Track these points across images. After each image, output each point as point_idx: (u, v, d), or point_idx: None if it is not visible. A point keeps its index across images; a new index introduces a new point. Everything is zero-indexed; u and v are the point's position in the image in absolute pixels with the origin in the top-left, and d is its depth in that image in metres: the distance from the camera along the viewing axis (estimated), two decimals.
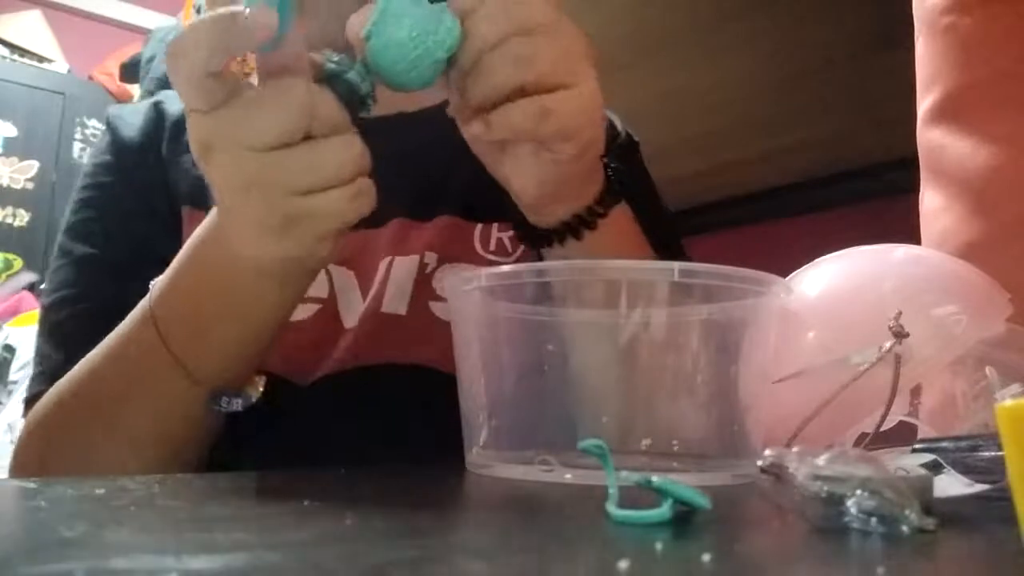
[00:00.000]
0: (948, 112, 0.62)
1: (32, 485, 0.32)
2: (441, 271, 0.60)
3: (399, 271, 0.60)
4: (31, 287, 2.60)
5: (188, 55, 0.38)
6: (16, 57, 2.94)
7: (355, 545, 0.22)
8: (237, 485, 0.35)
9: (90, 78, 3.06)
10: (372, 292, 0.59)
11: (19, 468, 0.54)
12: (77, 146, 2.93)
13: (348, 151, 0.41)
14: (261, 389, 0.51)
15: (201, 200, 0.61)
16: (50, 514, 0.27)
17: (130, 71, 2.36)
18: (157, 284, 0.49)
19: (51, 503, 0.29)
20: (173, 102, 0.67)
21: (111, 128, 0.66)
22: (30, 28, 3.03)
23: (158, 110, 0.67)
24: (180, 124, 0.65)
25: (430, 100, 0.66)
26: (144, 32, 2.68)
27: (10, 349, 2.15)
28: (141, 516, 0.27)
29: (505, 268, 0.42)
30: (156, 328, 0.48)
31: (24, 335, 2.17)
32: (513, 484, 0.39)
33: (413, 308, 0.58)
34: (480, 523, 0.30)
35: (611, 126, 0.66)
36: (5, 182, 2.77)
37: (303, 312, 0.58)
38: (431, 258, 0.60)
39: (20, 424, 0.57)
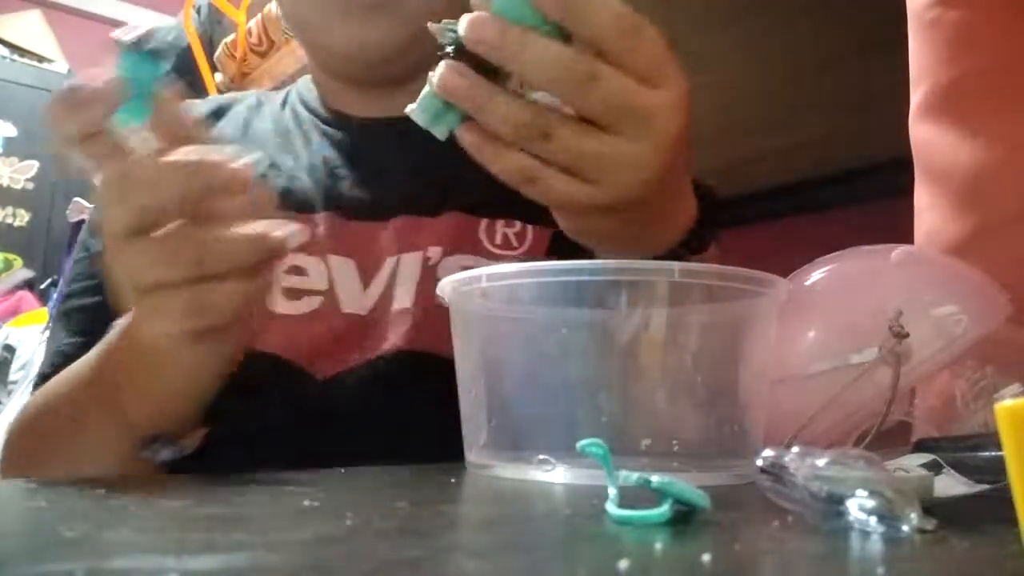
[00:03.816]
0: (935, 108, 0.62)
1: (32, 485, 0.32)
2: (445, 263, 0.61)
3: (405, 269, 0.62)
4: (29, 285, 2.60)
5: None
6: (16, 57, 2.94)
7: (355, 545, 0.22)
8: (237, 485, 0.35)
9: None
10: (381, 290, 0.61)
11: (3, 460, 0.57)
12: None
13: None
14: (198, 443, 0.52)
15: None
16: (50, 514, 0.27)
17: None
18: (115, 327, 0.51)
19: (51, 503, 0.29)
20: (194, 107, 0.72)
21: None
22: (30, 28, 3.03)
23: None
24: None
25: None
26: None
27: (10, 349, 2.15)
28: (141, 516, 0.27)
29: (505, 268, 0.42)
30: (101, 367, 0.51)
31: (24, 335, 2.17)
32: (513, 484, 0.39)
33: (418, 300, 0.60)
34: (480, 523, 0.30)
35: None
36: (5, 182, 2.77)
37: (306, 305, 0.60)
38: (434, 252, 0.62)
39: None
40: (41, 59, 3.00)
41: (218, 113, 0.72)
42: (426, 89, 0.40)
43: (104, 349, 0.52)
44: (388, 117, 0.68)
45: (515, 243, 0.63)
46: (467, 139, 0.41)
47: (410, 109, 0.41)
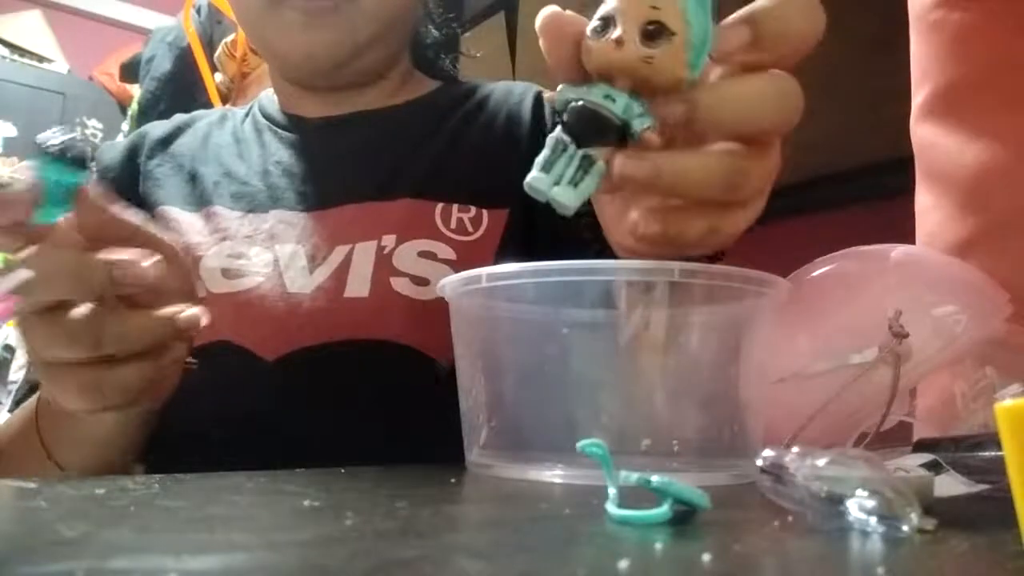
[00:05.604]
0: (937, 109, 0.62)
1: (32, 485, 0.32)
2: (401, 250, 0.61)
3: (360, 257, 0.61)
4: None
5: None
6: (16, 57, 2.95)
7: (355, 545, 0.22)
8: (237, 485, 0.35)
9: (90, 78, 3.06)
10: (328, 273, 0.61)
11: None
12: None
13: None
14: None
15: (177, 200, 0.68)
16: (50, 514, 0.27)
17: (130, 71, 2.37)
18: None
19: (51, 503, 0.29)
20: (156, 128, 0.75)
21: (97, 160, 0.73)
22: (30, 28, 3.03)
23: (141, 135, 0.74)
24: (158, 142, 0.73)
25: (391, 102, 0.72)
26: (144, 32, 2.68)
27: (10, 349, 2.15)
28: (141, 516, 0.27)
29: (505, 268, 0.42)
30: (36, 419, 0.53)
31: None
32: (513, 484, 0.39)
33: (375, 289, 0.60)
34: (480, 523, 0.30)
35: None
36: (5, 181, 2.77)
37: (249, 283, 0.61)
38: (388, 240, 0.61)
39: None
40: (41, 59, 3.00)
41: (179, 130, 0.75)
42: (567, 172, 0.32)
43: (37, 401, 0.53)
44: (341, 114, 0.70)
45: (470, 228, 0.63)
46: (649, 231, 0.34)
47: (537, 185, 0.32)
